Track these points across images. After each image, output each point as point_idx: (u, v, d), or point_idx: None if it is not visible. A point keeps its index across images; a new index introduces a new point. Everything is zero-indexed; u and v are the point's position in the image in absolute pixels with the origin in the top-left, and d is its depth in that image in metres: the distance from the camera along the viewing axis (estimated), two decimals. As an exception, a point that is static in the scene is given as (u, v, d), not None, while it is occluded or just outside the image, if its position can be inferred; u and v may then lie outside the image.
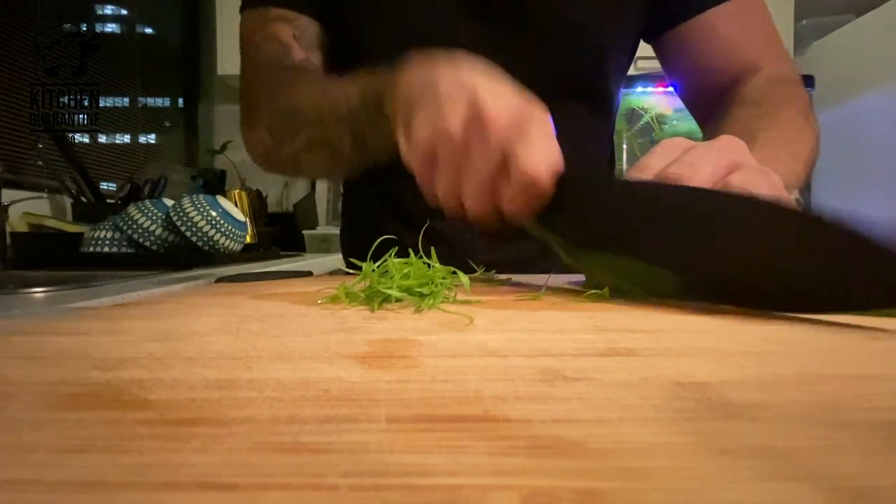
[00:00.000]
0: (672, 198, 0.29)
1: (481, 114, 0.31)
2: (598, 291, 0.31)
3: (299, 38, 0.55)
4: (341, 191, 0.77)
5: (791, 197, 0.36)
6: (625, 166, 2.02)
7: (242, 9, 0.58)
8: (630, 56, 0.62)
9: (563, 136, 0.59)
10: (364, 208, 0.66)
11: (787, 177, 0.39)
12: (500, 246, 0.45)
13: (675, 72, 0.61)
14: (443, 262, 0.35)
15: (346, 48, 0.58)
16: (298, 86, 0.51)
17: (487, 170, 0.32)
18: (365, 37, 0.57)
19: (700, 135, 0.65)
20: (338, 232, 1.89)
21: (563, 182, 0.32)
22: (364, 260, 0.33)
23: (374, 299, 0.29)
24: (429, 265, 0.33)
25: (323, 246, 1.69)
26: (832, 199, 1.75)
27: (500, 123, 0.31)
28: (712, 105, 0.55)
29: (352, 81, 0.45)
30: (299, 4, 0.55)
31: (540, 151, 0.31)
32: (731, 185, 0.29)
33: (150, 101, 1.77)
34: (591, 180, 0.34)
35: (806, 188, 1.80)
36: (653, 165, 0.31)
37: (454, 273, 0.34)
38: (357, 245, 0.42)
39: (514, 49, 0.54)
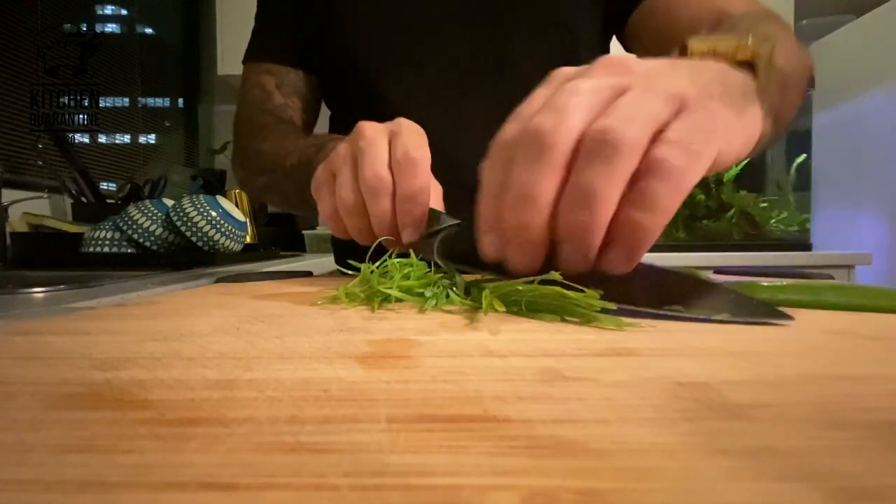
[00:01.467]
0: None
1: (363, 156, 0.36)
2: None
3: (280, 86, 0.65)
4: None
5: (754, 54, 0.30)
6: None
7: (243, 61, 0.69)
8: (602, 48, 0.65)
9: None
10: None
11: (756, 34, 0.32)
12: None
13: (648, 54, 0.62)
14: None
15: (334, 68, 0.65)
16: (266, 134, 0.60)
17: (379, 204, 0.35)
18: (348, 43, 0.62)
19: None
20: (338, 232, 1.87)
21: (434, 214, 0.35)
22: (357, 262, 0.33)
23: (374, 299, 0.29)
24: (430, 264, 0.33)
25: (323, 246, 1.69)
26: (832, 200, 1.75)
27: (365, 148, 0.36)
28: None
29: (302, 139, 0.54)
30: (282, 59, 0.66)
31: (410, 178, 0.34)
32: (616, 110, 0.23)
33: (150, 101, 1.77)
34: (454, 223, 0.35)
35: (804, 188, 1.80)
36: (523, 113, 0.26)
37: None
38: (348, 247, 0.44)
39: (481, 21, 0.59)
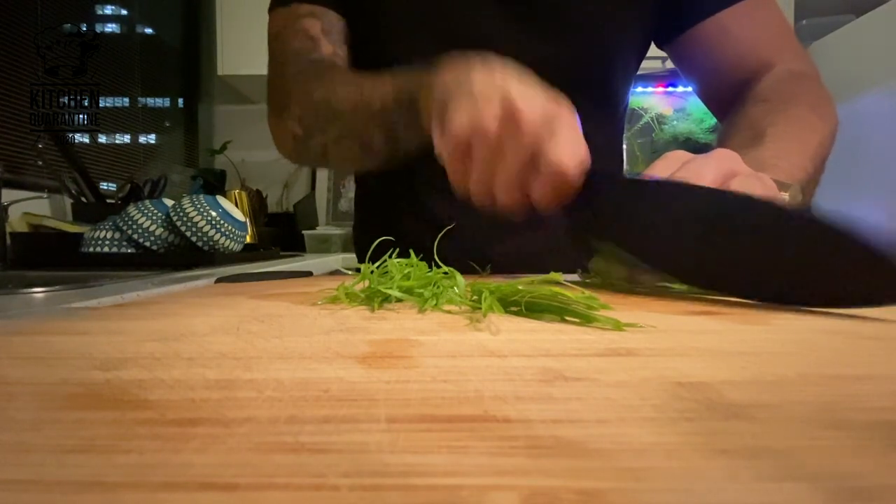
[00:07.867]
0: (683, 197, 0.31)
1: (515, 112, 0.33)
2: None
3: (328, 32, 0.56)
4: (340, 190, 0.78)
5: (785, 195, 0.38)
6: (625, 166, 2.02)
7: (271, 9, 0.60)
8: (639, 57, 0.63)
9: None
10: (381, 204, 0.67)
11: (791, 171, 0.41)
12: (523, 232, 0.47)
13: (691, 73, 0.62)
14: (455, 259, 0.35)
15: (369, 40, 0.59)
16: (332, 80, 0.53)
17: (519, 164, 0.34)
18: (386, 29, 0.58)
19: (699, 135, 0.66)
20: (338, 232, 1.88)
21: (590, 177, 0.34)
22: (379, 256, 0.34)
23: (374, 299, 0.29)
24: (435, 264, 0.33)
25: (323, 246, 1.69)
26: (832, 199, 1.75)
27: (532, 122, 0.33)
28: (729, 103, 0.56)
29: (385, 79, 0.47)
30: (327, 0, 0.57)
31: (569, 147, 0.33)
32: (730, 189, 0.31)
33: (150, 101, 1.77)
34: (617, 178, 0.36)
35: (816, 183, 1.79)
36: (656, 175, 0.34)
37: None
38: (372, 242, 0.42)
39: (520, 39, 0.55)
